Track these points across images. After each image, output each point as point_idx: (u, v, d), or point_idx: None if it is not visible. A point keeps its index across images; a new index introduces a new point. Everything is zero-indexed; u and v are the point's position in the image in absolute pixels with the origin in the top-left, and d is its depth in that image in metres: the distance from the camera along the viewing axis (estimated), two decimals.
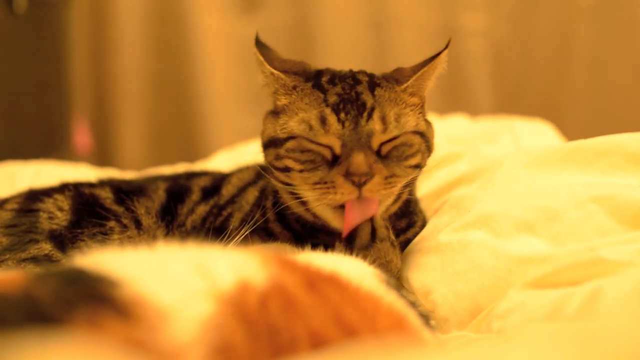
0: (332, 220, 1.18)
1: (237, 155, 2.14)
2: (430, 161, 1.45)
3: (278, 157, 1.20)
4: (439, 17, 3.17)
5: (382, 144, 1.15)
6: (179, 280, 0.68)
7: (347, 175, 1.11)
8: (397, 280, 1.17)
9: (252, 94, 3.15)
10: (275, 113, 1.24)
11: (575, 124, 3.08)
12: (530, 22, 3.19)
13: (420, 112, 1.23)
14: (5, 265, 1.16)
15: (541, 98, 3.20)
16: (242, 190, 1.39)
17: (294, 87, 1.22)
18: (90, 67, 3.23)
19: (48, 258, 1.18)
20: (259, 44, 1.27)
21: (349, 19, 3.19)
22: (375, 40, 3.19)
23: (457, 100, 3.08)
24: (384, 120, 1.14)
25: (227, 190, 1.40)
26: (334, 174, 1.13)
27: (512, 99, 3.22)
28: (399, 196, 1.23)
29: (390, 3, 3.19)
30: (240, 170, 1.48)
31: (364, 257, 1.12)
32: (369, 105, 1.15)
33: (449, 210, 1.29)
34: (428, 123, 1.26)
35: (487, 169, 1.39)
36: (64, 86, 2.88)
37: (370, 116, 1.14)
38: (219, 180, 1.45)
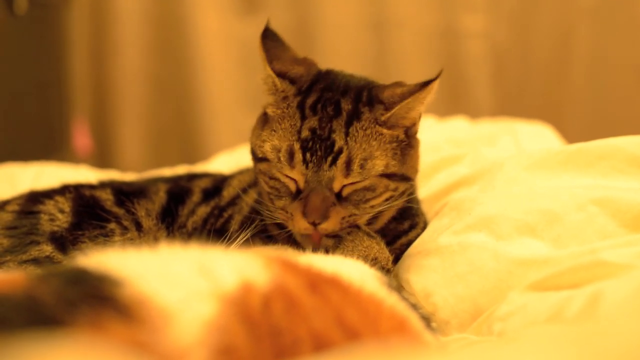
0: (302, 242, 1.22)
1: (237, 156, 2.14)
2: (430, 164, 1.45)
3: (256, 171, 1.25)
4: (439, 19, 3.17)
5: (344, 186, 1.16)
6: (181, 281, 0.68)
7: (304, 214, 1.15)
8: (389, 272, 1.17)
9: (253, 96, 3.15)
10: (265, 119, 1.26)
11: (576, 126, 3.08)
12: (530, 23, 3.19)
13: (397, 143, 1.20)
14: (6, 266, 1.16)
15: (541, 100, 3.20)
16: (243, 191, 1.39)
17: (284, 99, 1.23)
18: (91, 69, 3.23)
19: (49, 260, 1.18)
20: (266, 36, 1.27)
21: (349, 20, 3.19)
22: (376, 41, 3.19)
23: (457, 102, 3.08)
24: (348, 165, 1.14)
25: (227, 192, 1.41)
26: (294, 207, 1.17)
27: (512, 101, 3.22)
28: (382, 211, 1.23)
29: (390, 4, 3.19)
30: (241, 172, 1.49)
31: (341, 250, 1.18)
32: (336, 147, 1.15)
33: (450, 212, 1.29)
34: (415, 142, 1.25)
35: (487, 171, 1.39)
36: (64, 87, 2.87)
37: (334, 161, 1.14)
38: (219, 182, 1.45)
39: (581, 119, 3.14)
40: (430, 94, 1.20)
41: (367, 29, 3.20)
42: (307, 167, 1.15)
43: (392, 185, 1.20)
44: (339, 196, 1.16)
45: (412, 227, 1.32)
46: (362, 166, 1.15)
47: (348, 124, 1.17)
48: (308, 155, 1.15)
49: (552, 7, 3.17)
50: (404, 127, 1.22)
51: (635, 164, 1.19)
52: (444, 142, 1.76)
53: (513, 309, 1.00)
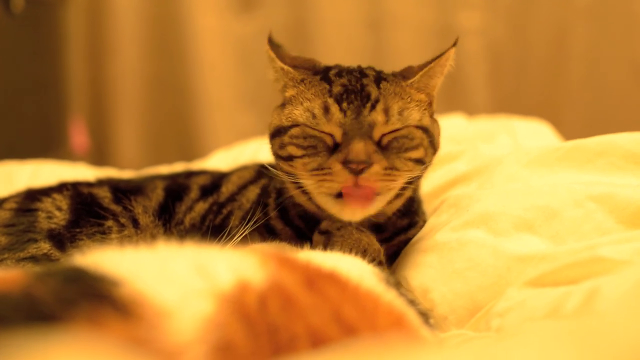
0: (331, 208, 1.18)
1: (234, 154, 2.14)
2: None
3: (282, 146, 1.21)
4: (436, 16, 3.17)
5: (383, 135, 1.16)
6: (179, 280, 0.68)
7: (345, 162, 1.11)
8: (381, 264, 1.17)
9: (250, 94, 3.16)
10: (283, 105, 1.26)
11: (573, 123, 3.08)
12: (527, 21, 3.19)
13: (426, 109, 1.23)
14: (4, 264, 1.16)
15: (538, 97, 3.20)
16: (243, 188, 1.39)
17: (302, 80, 1.23)
18: (88, 67, 3.23)
19: (47, 257, 1.18)
20: (272, 42, 1.29)
21: (346, 18, 3.19)
22: (373, 39, 3.19)
23: (454, 100, 3.08)
24: (387, 112, 1.15)
25: (227, 188, 1.41)
26: (332, 160, 1.13)
27: (510, 98, 3.22)
28: (401, 193, 1.23)
29: (387, 2, 3.19)
30: (240, 169, 1.49)
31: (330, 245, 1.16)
32: (373, 96, 1.16)
33: (448, 209, 1.29)
34: (434, 120, 1.27)
35: (485, 168, 1.39)
36: (62, 86, 2.87)
37: (373, 107, 1.15)
38: (218, 179, 1.45)
39: (578, 116, 3.15)
40: (449, 61, 1.25)
41: (364, 27, 3.21)
42: (345, 115, 1.15)
43: (426, 142, 1.20)
44: (379, 145, 1.15)
45: (411, 225, 1.32)
46: (400, 113, 1.16)
47: (377, 82, 1.19)
48: (345, 104, 1.15)
49: (548, 4, 3.17)
50: (428, 95, 1.25)
51: (632, 160, 1.19)
52: (441, 139, 1.76)
53: (511, 305, 1.01)
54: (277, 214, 1.29)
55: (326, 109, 1.16)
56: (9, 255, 1.18)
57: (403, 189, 1.21)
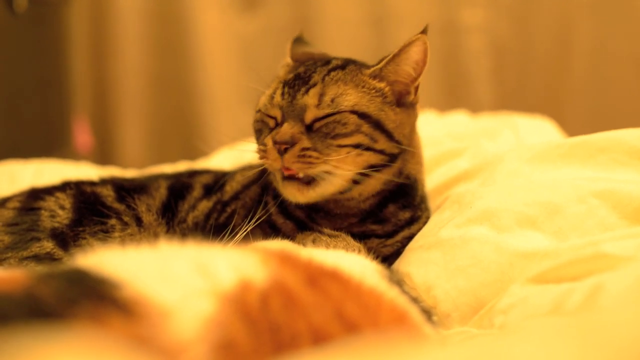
0: (280, 189, 1.26)
1: (237, 153, 2.13)
2: (431, 158, 1.45)
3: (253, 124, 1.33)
4: (438, 13, 3.16)
5: (316, 119, 1.21)
6: (180, 279, 0.68)
7: (274, 142, 1.19)
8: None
9: (253, 92, 3.15)
10: None
11: (576, 120, 3.08)
12: (530, 17, 3.18)
13: (384, 97, 1.25)
14: (7, 263, 1.16)
15: (542, 94, 3.19)
16: (246, 187, 1.39)
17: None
18: (91, 66, 3.23)
19: (50, 256, 1.18)
20: (297, 39, 1.44)
21: (349, 16, 3.19)
22: (376, 37, 3.19)
23: (457, 97, 3.08)
24: (320, 96, 1.21)
25: (231, 187, 1.41)
26: (267, 139, 1.22)
27: (513, 95, 3.22)
28: (363, 178, 1.24)
29: (390, 0, 3.19)
30: (244, 168, 1.49)
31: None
32: (312, 82, 1.24)
33: (451, 206, 1.29)
34: (402, 110, 1.28)
35: (488, 165, 1.39)
36: (65, 85, 2.88)
37: (307, 92, 1.22)
38: (221, 178, 1.45)
39: (582, 113, 3.14)
40: (418, 49, 1.26)
41: (367, 25, 3.20)
42: (283, 99, 1.24)
43: (367, 128, 1.22)
44: (309, 129, 1.21)
45: (414, 219, 1.32)
46: (333, 100, 1.21)
47: (331, 70, 1.27)
48: (287, 89, 1.25)
49: (551, 1, 3.16)
50: (391, 83, 1.27)
51: (636, 156, 1.19)
52: (444, 137, 1.76)
53: (514, 302, 1.00)
54: (278, 209, 1.31)
55: (273, 94, 1.26)
56: (12, 254, 1.18)
57: (365, 174, 1.23)
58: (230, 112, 3.23)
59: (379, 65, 1.26)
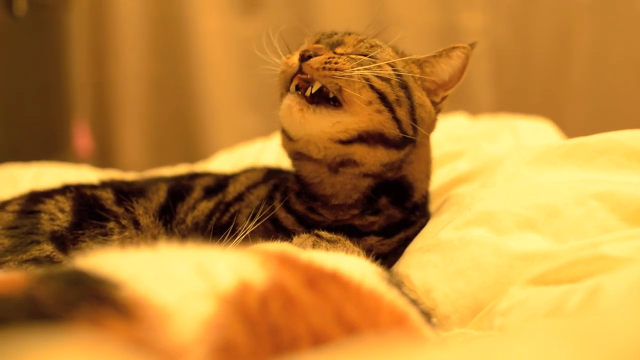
0: (281, 107, 1.22)
1: (238, 156, 2.14)
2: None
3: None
4: (438, 17, 3.17)
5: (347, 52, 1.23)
6: (179, 281, 0.68)
7: (302, 51, 1.20)
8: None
9: (253, 95, 3.16)
10: None
11: (576, 122, 3.08)
12: (529, 20, 3.19)
13: (413, 77, 1.27)
14: (7, 266, 1.16)
15: (541, 96, 3.20)
16: (251, 188, 1.40)
17: None
18: (91, 69, 3.23)
19: (49, 259, 1.19)
20: None
21: (349, 19, 3.18)
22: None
23: (457, 99, 3.07)
24: (359, 41, 1.25)
25: (234, 188, 1.41)
26: (295, 56, 1.21)
27: (512, 98, 3.22)
28: (358, 140, 1.22)
29: (390, 3, 3.19)
30: (249, 170, 1.51)
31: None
32: (344, 32, 1.29)
33: (450, 208, 1.29)
34: (422, 93, 1.29)
35: (487, 167, 1.39)
36: (65, 88, 2.88)
37: (348, 34, 1.28)
38: (222, 180, 1.46)
39: (581, 115, 3.14)
40: (460, 53, 1.31)
41: (366, 28, 3.20)
42: (319, 41, 1.27)
43: (396, 84, 1.22)
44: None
45: (408, 223, 1.32)
46: (372, 46, 1.25)
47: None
48: (320, 37, 1.29)
49: (551, 4, 3.16)
50: (424, 73, 1.29)
51: (634, 158, 1.19)
52: (444, 139, 1.76)
53: (513, 304, 1.00)
54: (281, 204, 1.31)
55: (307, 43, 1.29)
56: (12, 257, 1.18)
57: (372, 138, 1.21)
58: (230, 115, 3.23)
59: (422, 57, 1.30)
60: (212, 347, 0.61)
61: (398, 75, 1.22)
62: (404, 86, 1.23)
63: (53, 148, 2.74)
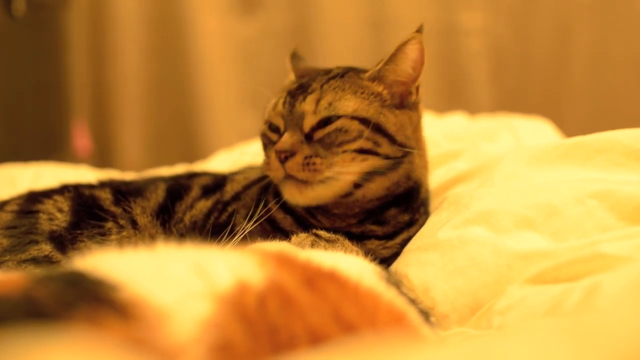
0: (282, 191, 1.27)
1: (236, 155, 2.14)
2: (430, 159, 1.45)
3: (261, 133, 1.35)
4: (437, 16, 3.16)
5: (314, 129, 1.22)
6: (177, 281, 0.68)
7: (276, 152, 1.21)
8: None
9: (251, 95, 3.16)
10: None
11: (575, 122, 3.08)
12: (529, 19, 3.19)
13: (379, 100, 1.26)
14: (6, 266, 1.16)
15: (541, 96, 3.20)
16: (248, 187, 1.40)
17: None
18: (90, 70, 3.23)
19: (48, 259, 1.19)
20: (294, 56, 1.45)
21: (348, 19, 3.19)
22: (375, 40, 3.19)
23: (456, 99, 3.08)
24: (317, 102, 1.23)
25: (232, 187, 1.41)
26: (270, 150, 1.25)
27: (512, 97, 3.22)
28: (365, 182, 1.24)
29: (389, 3, 3.19)
30: (246, 169, 1.50)
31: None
32: (310, 90, 1.26)
33: (449, 207, 1.29)
34: (404, 112, 1.28)
35: (486, 166, 1.39)
36: (64, 89, 2.88)
37: (304, 99, 1.24)
38: (221, 179, 1.46)
39: (580, 115, 3.14)
40: (414, 47, 1.26)
41: (366, 28, 3.21)
42: (283, 107, 1.26)
43: (368, 133, 1.22)
44: (309, 137, 1.22)
45: (413, 222, 1.33)
46: (330, 104, 1.23)
47: (331, 78, 1.28)
48: (289, 98, 1.27)
49: (551, 3, 3.16)
50: (390, 84, 1.27)
51: (633, 157, 1.19)
52: (443, 138, 1.76)
53: (512, 303, 1.00)
54: (278, 205, 1.30)
55: (276, 103, 1.28)
56: (10, 257, 1.18)
57: (367, 178, 1.24)
58: (228, 115, 3.23)
59: (378, 67, 1.27)
60: (210, 347, 0.61)
61: (366, 122, 1.23)
62: (377, 128, 1.24)
63: (52, 148, 2.74)
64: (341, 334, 0.66)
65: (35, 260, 1.17)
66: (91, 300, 0.62)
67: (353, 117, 1.22)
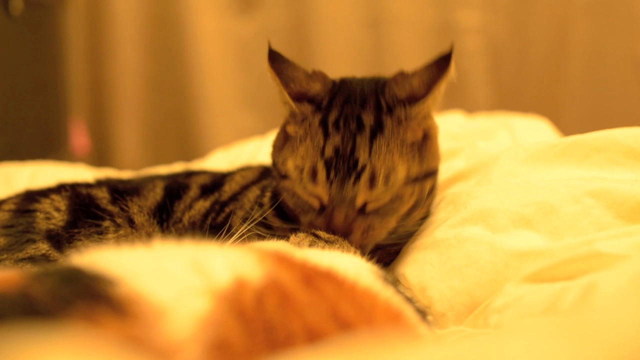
0: None
1: (233, 154, 2.14)
2: None
3: (278, 185, 1.26)
4: (435, 15, 3.16)
5: (368, 203, 1.16)
6: (175, 278, 0.68)
7: (328, 229, 1.15)
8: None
9: (249, 94, 3.16)
10: (285, 136, 1.25)
11: (573, 120, 3.08)
12: (526, 18, 3.19)
13: (417, 146, 1.21)
14: (3, 265, 1.16)
15: (538, 94, 3.19)
16: (245, 188, 1.39)
17: (303, 120, 1.21)
18: (87, 68, 3.23)
19: (45, 258, 1.19)
20: (273, 59, 1.23)
21: (346, 18, 3.19)
22: (373, 38, 3.19)
23: (454, 97, 3.07)
24: (372, 180, 1.14)
25: (230, 187, 1.41)
26: (320, 222, 1.17)
27: (509, 96, 3.22)
28: (403, 222, 1.24)
29: (386, 1, 3.18)
30: (244, 169, 1.50)
31: None
32: (360, 164, 1.14)
33: (446, 206, 1.29)
34: (428, 147, 1.25)
35: (483, 165, 1.39)
36: (61, 88, 2.88)
37: (358, 178, 1.14)
38: (219, 179, 1.46)
39: (578, 114, 3.14)
40: (451, 72, 1.22)
41: (363, 26, 3.20)
42: (330, 185, 1.15)
43: (418, 187, 1.20)
44: (362, 210, 1.16)
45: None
46: (386, 181, 1.15)
47: (372, 139, 1.16)
48: (332, 172, 1.15)
49: (548, 2, 3.16)
50: (424, 117, 1.23)
51: (630, 156, 1.19)
52: (440, 137, 1.76)
53: (509, 301, 1.01)
54: (274, 212, 1.29)
55: (314, 174, 1.16)
56: (7, 256, 1.18)
57: (406, 217, 1.23)
58: (226, 114, 3.23)
59: (414, 107, 1.20)
60: (208, 344, 0.61)
61: (415, 179, 1.20)
62: (426, 174, 1.23)
63: (49, 147, 2.73)
64: (338, 332, 0.66)
65: (32, 259, 1.17)
66: (88, 297, 0.62)
67: (405, 184, 1.18)
